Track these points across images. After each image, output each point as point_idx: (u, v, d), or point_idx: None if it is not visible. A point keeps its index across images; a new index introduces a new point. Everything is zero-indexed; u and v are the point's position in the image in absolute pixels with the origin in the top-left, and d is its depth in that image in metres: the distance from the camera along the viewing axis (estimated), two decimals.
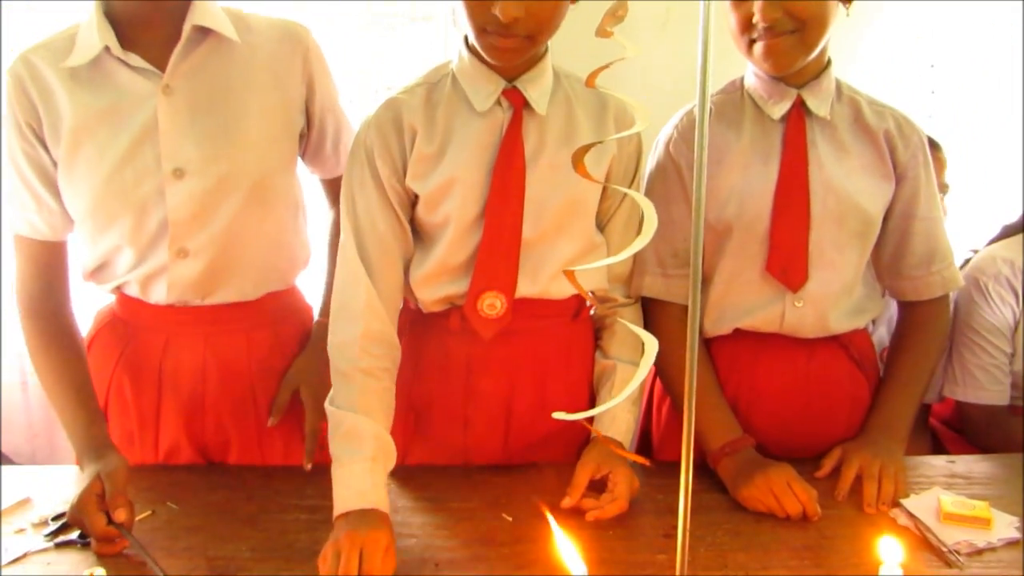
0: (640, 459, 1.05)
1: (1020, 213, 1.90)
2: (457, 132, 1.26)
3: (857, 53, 2.36)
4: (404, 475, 1.37)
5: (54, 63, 1.23)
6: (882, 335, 1.91)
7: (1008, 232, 1.88)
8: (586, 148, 0.84)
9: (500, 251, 1.26)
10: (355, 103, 2.27)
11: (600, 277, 1.35)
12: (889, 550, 0.93)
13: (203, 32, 1.25)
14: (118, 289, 1.37)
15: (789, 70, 1.30)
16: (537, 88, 1.25)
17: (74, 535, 1.19)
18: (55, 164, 1.26)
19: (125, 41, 1.22)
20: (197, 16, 1.23)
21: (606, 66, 0.81)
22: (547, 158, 1.26)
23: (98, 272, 1.36)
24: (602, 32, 0.76)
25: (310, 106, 1.38)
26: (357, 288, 1.25)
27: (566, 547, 0.89)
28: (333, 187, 1.45)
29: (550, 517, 0.91)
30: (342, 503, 1.16)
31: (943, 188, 1.95)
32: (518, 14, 1.12)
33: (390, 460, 1.22)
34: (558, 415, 0.88)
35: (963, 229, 2.09)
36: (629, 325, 0.87)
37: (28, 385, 2.51)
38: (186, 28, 1.22)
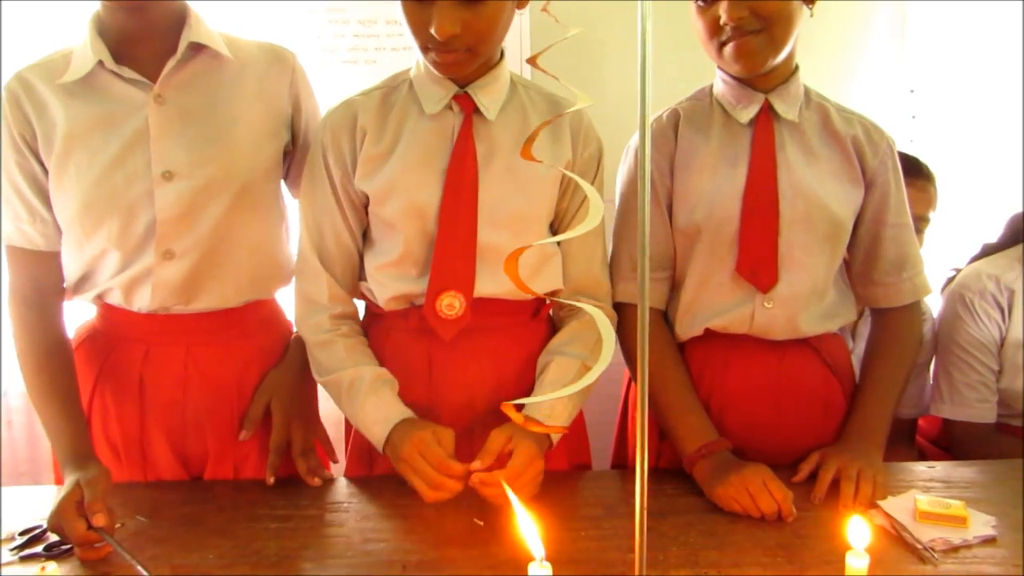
0: (558, 429, 1.18)
1: (1000, 232, 1.92)
2: (407, 134, 1.29)
3: (836, 79, 2.40)
4: (374, 486, 1.36)
5: (49, 80, 1.28)
6: (860, 351, 1.90)
7: (989, 251, 1.89)
8: (536, 132, 0.85)
9: (456, 251, 1.28)
10: None
11: (554, 279, 1.36)
12: (856, 531, 0.92)
13: (196, 48, 1.30)
14: (99, 298, 1.38)
15: (760, 70, 1.32)
16: (489, 95, 1.29)
17: (39, 548, 1.18)
18: (47, 174, 1.30)
19: (118, 56, 1.27)
20: (193, 33, 1.29)
21: (549, 47, 0.83)
22: (500, 163, 1.30)
23: (82, 283, 1.37)
24: (544, 8, 0.78)
25: (295, 125, 1.42)
26: (318, 283, 1.36)
27: (527, 527, 0.88)
28: None
29: (512, 495, 0.89)
30: (378, 437, 1.27)
31: (923, 222, 1.95)
32: (454, 31, 1.15)
33: (395, 384, 1.32)
34: (505, 405, 0.88)
35: (944, 250, 2.11)
36: (588, 307, 0.85)
37: (13, 424, 2.50)
38: (182, 44, 1.28)
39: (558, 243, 1.38)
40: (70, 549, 1.17)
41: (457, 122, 1.29)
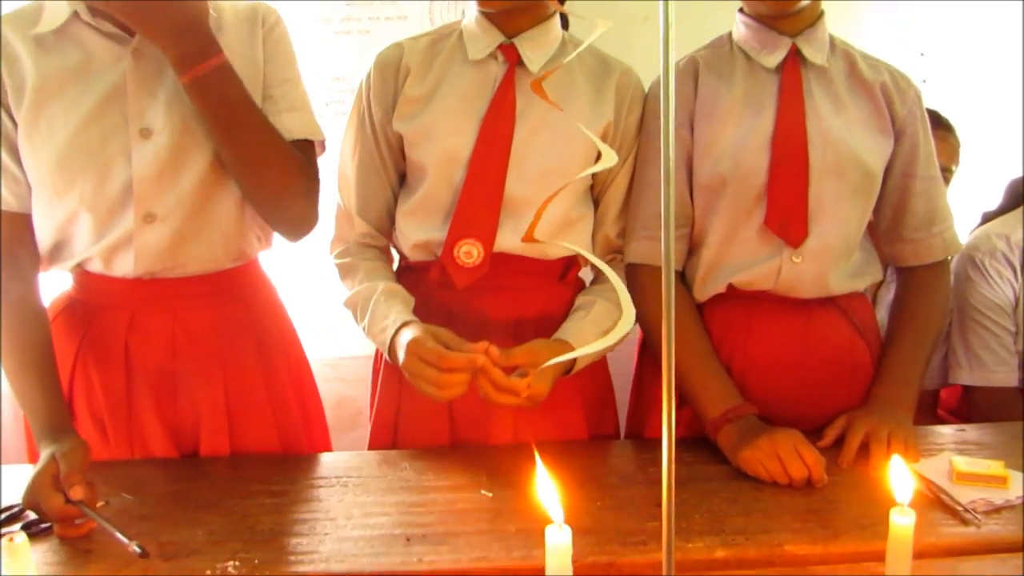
0: (543, 392, 1.16)
1: (1000, 199, 1.88)
2: (449, 79, 1.29)
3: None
4: (378, 460, 1.29)
5: (21, 30, 1.21)
6: (882, 318, 1.84)
7: (989, 218, 1.86)
8: (555, 68, 0.94)
9: (481, 200, 1.26)
10: (332, 106, 2.23)
11: (583, 244, 1.34)
12: (899, 478, 0.84)
13: None
14: (79, 267, 1.30)
15: (795, 6, 1.25)
16: (535, 48, 1.28)
17: (16, 527, 1.10)
18: (16, 129, 1.22)
19: (93, 9, 1.20)
20: None
21: None
22: (538, 116, 1.27)
23: (57, 250, 1.29)
24: None
25: (266, 72, 1.31)
26: (349, 221, 1.37)
27: (546, 488, 0.80)
28: None
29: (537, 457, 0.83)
30: (382, 342, 1.23)
31: (947, 173, 1.89)
32: None
33: (409, 299, 1.29)
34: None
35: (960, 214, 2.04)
36: (611, 274, 0.79)
37: (1, 407, 2.42)
38: None
39: (594, 206, 1.36)
40: (49, 528, 1.09)
41: (500, 72, 1.28)
